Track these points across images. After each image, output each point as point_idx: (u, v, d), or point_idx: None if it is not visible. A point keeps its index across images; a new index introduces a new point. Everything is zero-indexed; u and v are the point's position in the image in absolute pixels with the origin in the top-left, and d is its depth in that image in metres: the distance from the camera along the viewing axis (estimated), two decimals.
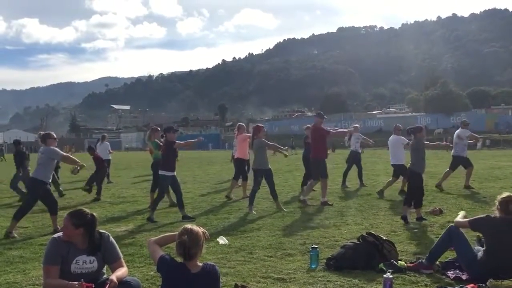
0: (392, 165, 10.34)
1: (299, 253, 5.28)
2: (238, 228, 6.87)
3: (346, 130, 10.98)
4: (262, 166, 8.57)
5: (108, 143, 15.66)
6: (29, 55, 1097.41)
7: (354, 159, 12.11)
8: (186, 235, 3.08)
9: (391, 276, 3.79)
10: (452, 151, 11.05)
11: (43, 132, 7.43)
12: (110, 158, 15.58)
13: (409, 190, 7.46)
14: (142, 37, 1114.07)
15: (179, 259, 3.17)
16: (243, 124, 11.26)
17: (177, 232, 3.19)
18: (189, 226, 3.19)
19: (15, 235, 6.68)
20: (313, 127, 9.34)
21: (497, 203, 4.32)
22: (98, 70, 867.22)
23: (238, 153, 10.45)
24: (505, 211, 4.23)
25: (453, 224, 4.55)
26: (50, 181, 7.15)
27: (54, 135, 7.26)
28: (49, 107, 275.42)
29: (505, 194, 4.33)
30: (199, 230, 3.17)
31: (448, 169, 11.03)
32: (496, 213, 4.31)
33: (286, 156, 9.93)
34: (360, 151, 12.43)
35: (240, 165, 10.40)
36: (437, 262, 4.50)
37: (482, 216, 4.42)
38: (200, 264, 3.16)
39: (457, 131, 11.28)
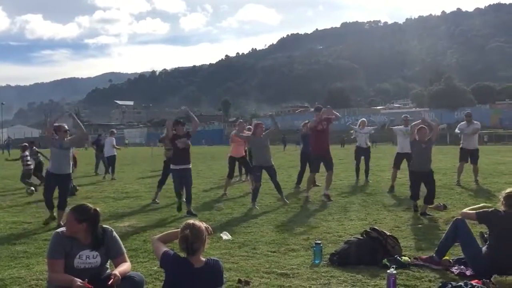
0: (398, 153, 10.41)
1: (302, 249, 5.28)
2: (241, 224, 6.87)
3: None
4: (260, 163, 8.59)
5: (113, 138, 15.65)
6: (33, 51, 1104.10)
7: (361, 155, 11.80)
8: (188, 229, 3.08)
9: (394, 272, 3.79)
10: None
11: (56, 124, 7.49)
12: (116, 153, 15.53)
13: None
14: (146, 33, 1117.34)
15: (182, 255, 3.16)
16: (242, 121, 11.39)
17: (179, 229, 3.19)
18: (191, 220, 3.19)
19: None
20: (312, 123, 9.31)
21: (501, 198, 4.33)
22: (102, 65, 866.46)
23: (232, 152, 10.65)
24: (510, 206, 4.23)
25: (459, 217, 4.54)
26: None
27: (66, 126, 7.38)
28: (53, 102, 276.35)
29: (509, 189, 4.32)
30: (202, 224, 3.16)
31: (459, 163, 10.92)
32: (502, 208, 4.30)
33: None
34: (367, 146, 11.92)
35: (233, 163, 10.66)
36: (450, 259, 4.49)
37: (489, 209, 4.41)
38: (204, 259, 3.16)
39: None
